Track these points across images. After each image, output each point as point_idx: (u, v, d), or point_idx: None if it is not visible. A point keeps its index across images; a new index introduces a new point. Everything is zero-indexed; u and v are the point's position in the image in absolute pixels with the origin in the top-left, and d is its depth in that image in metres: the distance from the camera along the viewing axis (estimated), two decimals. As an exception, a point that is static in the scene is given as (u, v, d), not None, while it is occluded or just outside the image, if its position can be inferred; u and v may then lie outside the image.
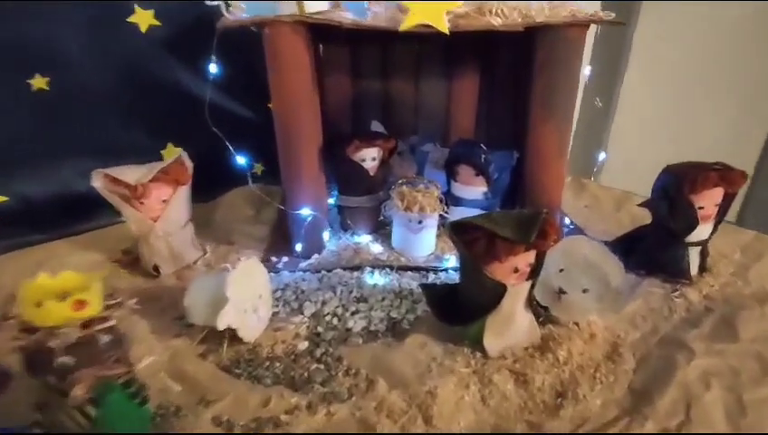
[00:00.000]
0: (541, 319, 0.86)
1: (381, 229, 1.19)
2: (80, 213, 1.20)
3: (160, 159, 1.29)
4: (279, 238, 1.15)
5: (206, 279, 0.91)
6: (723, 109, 1.77)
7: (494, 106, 1.29)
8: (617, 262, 0.84)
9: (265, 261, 1.09)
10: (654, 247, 1.04)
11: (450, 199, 1.10)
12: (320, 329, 0.89)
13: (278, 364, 0.82)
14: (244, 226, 1.26)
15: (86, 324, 0.59)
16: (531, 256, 0.77)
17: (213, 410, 0.73)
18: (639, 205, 1.10)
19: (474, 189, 1.09)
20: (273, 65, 0.93)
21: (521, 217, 0.75)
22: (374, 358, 0.82)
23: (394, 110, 1.34)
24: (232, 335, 0.84)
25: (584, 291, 0.85)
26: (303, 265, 1.07)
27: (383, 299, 0.96)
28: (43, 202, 1.17)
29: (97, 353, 0.60)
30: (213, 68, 0.99)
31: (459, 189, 1.10)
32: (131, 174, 0.99)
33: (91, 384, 0.59)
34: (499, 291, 0.76)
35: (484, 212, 1.06)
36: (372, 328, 0.89)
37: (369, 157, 1.10)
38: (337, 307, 0.94)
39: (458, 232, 0.75)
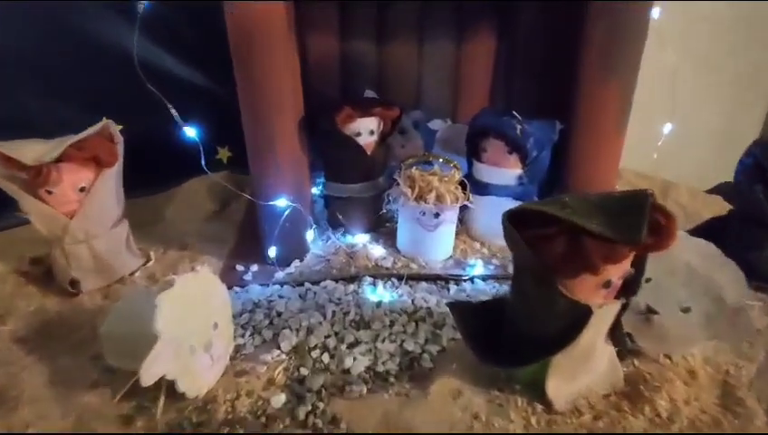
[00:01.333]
0: (622, 351, 0.60)
1: (381, 227, 0.92)
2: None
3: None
4: (247, 240, 0.87)
5: (135, 299, 0.63)
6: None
7: (515, 71, 1.03)
8: (734, 268, 0.59)
9: (229, 270, 0.81)
10: (738, 245, 0.78)
11: (473, 185, 0.83)
12: (304, 371, 0.61)
13: (241, 431, 0.54)
14: (203, 225, 0.98)
15: None
16: (627, 264, 0.50)
17: None
18: (710, 191, 0.85)
19: (505, 172, 0.82)
20: (232, 21, 0.66)
21: (612, 203, 0.49)
22: (386, 417, 0.55)
23: (392, 78, 1.07)
24: (172, 386, 0.56)
25: (684, 310, 0.60)
26: (280, 275, 0.79)
27: (392, 324, 0.69)
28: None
29: None
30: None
31: (486, 172, 0.84)
32: (30, 151, 0.69)
33: None
34: (580, 316, 0.50)
35: (532, 199, 0.81)
36: (380, 368, 0.62)
37: (366, 129, 0.83)
38: (328, 337, 0.66)
39: (519, 226, 0.49)
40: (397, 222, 0.87)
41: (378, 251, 0.84)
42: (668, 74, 0.83)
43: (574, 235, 0.46)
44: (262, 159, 0.75)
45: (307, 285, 0.77)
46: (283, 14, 0.68)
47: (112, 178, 0.76)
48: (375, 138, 0.84)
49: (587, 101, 0.77)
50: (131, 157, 0.81)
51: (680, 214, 1.07)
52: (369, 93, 1.02)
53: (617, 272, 0.49)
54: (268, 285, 0.77)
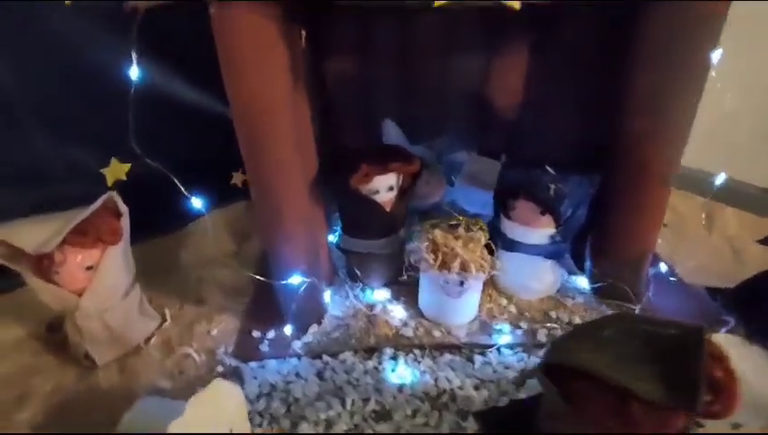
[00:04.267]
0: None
1: (401, 277, 0.87)
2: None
3: (101, 179, 0.97)
4: (264, 297, 0.84)
5: (148, 409, 0.60)
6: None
7: (548, 98, 0.93)
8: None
9: (245, 335, 0.78)
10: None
11: (501, 240, 0.77)
12: (323, 476, 0.59)
13: None
14: (220, 270, 0.95)
15: None
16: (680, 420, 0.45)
17: None
18: (763, 242, 0.78)
19: (536, 232, 0.76)
20: (226, 60, 0.59)
21: (662, 344, 0.43)
22: None
23: (415, 104, 0.99)
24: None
25: (735, 426, 0.54)
26: (297, 344, 0.76)
27: (414, 414, 0.65)
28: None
29: None
30: (134, 71, 0.65)
31: (514, 230, 0.77)
32: (32, 235, 0.66)
33: None
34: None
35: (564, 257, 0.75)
36: (402, 470, 0.59)
37: (384, 186, 0.77)
38: (349, 430, 0.63)
39: (557, 385, 0.44)
40: (417, 275, 0.83)
41: (398, 313, 0.80)
42: (725, 120, 0.73)
43: (621, 395, 0.41)
44: (271, 231, 0.70)
45: (325, 357, 0.74)
46: (284, 52, 0.61)
47: (119, 253, 0.73)
48: (394, 193, 0.78)
49: (629, 152, 0.69)
50: (140, 197, 0.78)
51: (727, 248, 0.99)
52: (390, 126, 0.95)
53: (661, 428, 0.44)
54: (285, 359, 0.74)
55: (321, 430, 0.64)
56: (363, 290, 0.85)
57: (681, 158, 0.71)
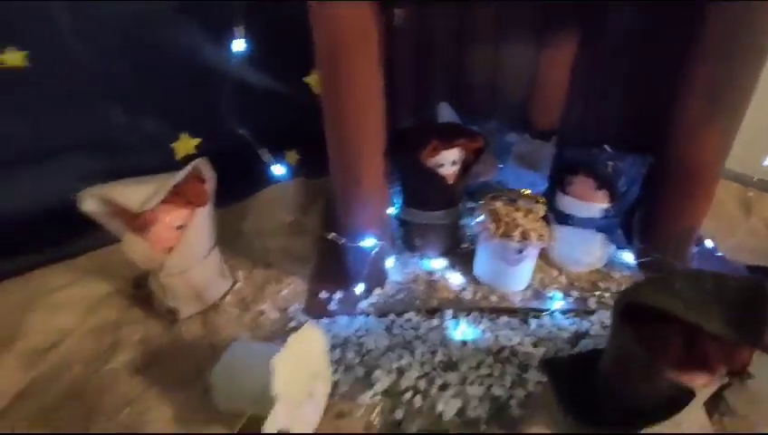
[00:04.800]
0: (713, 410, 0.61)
1: (457, 249, 0.93)
2: (75, 227, 0.95)
3: (170, 154, 1.04)
4: (327, 259, 0.90)
5: (239, 352, 0.67)
6: None
7: (595, 86, 0.98)
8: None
9: (314, 297, 0.84)
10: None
11: (554, 214, 0.83)
12: (399, 414, 0.65)
13: (348, 478, 0.59)
14: (283, 239, 1.01)
15: None
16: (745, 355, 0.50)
17: None
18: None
19: (591, 206, 0.81)
20: (326, 46, 0.65)
21: (729, 292, 0.48)
22: (482, 470, 0.59)
23: (467, 90, 1.04)
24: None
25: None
26: (364, 304, 0.82)
27: (478, 365, 0.71)
28: (28, 216, 0.93)
29: None
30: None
31: (570, 205, 0.83)
32: (133, 195, 0.73)
33: None
34: (682, 398, 0.51)
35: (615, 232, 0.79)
36: (470, 413, 0.65)
37: (449, 161, 0.82)
38: (419, 378, 0.69)
39: (630, 318, 0.49)
40: (473, 246, 0.88)
41: (456, 279, 0.86)
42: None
43: (690, 332, 0.47)
44: (348, 197, 0.76)
45: (391, 316, 0.80)
46: (377, 37, 0.67)
47: (205, 215, 0.80)
48: (457, 167, 0.84)
49: (685, 138, 0.74)
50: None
51: (764, 229, 1.04)
52: (445, 108, 1.00)
53: (729, 363, 0.49)
54: (353, 316, 0.80)
55: (393, 377, 0.70)
56: (421, 259, 0.91)
57: (732, 145, 0.75)
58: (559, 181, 0.84)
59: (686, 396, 0.51)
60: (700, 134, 0.72)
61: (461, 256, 0.91)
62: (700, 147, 0.73)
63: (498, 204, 0.79)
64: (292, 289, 0.87)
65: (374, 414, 0.66)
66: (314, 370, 0.64)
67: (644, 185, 0.80)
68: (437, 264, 0.90)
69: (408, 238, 0.92)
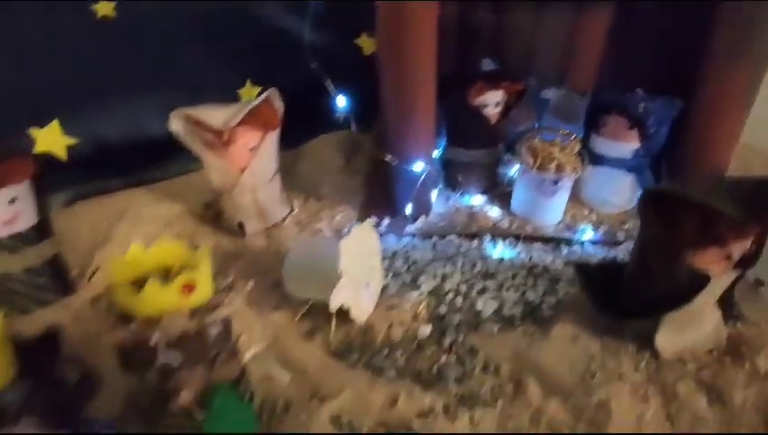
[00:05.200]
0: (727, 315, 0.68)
1: (496, 189, 1.01)
2: (156, 157, 1.08)
3: (237, 98, 1.15)
4: (376, 194, 0.99)
5: (307, 245, 0.77)
6: None
7: (632, 41, 1.04)
8: None
9: (363, 220, 0.94)
10: None
11: (588, 156, 0.90)
12: (442, 310, 0.74)
13: (399, 353, 0.68)
14: (333, 177, 1.11)
15: (194, 312, 0.46)
16: (749, 241, 0.57)
17: (329, 409, 0.60)
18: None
19: (622, 146, 0.88)
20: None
21: (745, 188, 0.55)
22: (516, 353, 0.67)
23: (506, 46, 1.12)
24: (339, 312, 0.71)
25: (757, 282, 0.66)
26: (411, 228, 0.91)
27: (514, 276, 0.79)
28: (117, 144, 1.05)
29: (205, 350, 0.47)
30: None
31: (602, 145, 0.90)
32: (216, 116, 0.84)
33: (200, 389, 0.46)
34: (699, 283, 0.59)
35: (645, 172, 0.87)
36: (506, 312, 0.74)
37: (493, 102, 0.91)
38: (460, 284, 0.78)
39: (657, 205, 0.57)
40: (510, 186, 0.97)
41: (494, 212, 0.94)
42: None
43: (709, 215, 0.54)
44: (402, 125, 0.85)
45: (434, 238, 0.89)
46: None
47: (274, 139, 0.90)
48: (500, 109, 0.92)
49: (712, 83, 0.81)
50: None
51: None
52: (488, 64, 1.08)
53: (740, 247, 0.57)
54: (401, 237, 0.89)
55: (437, 281, 0.79)
56: (462, 196, 0.99)
57: (759, 88, 0.82)
58: (593, 123, 0.91)
59: (702, 280, 0.58)
60: (728, 76, 0.79)
61: (499, 196, 1.00)
62: (727, 88, 0.80)
63: (536, 141, 0.87)
64: (344, 215, 0.97)
65: (420, 308, 0.75)
66: (371, 264, 0.73)
67: (673, 127, 0.87)
68: (477, 200, 0.98)
69: (450, 177, 1.00)
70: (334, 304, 0.65)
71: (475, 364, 0.66)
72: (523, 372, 0.64)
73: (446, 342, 0.69)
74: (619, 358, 0.66)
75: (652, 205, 0.57)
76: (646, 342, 0.66)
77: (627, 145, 0.88)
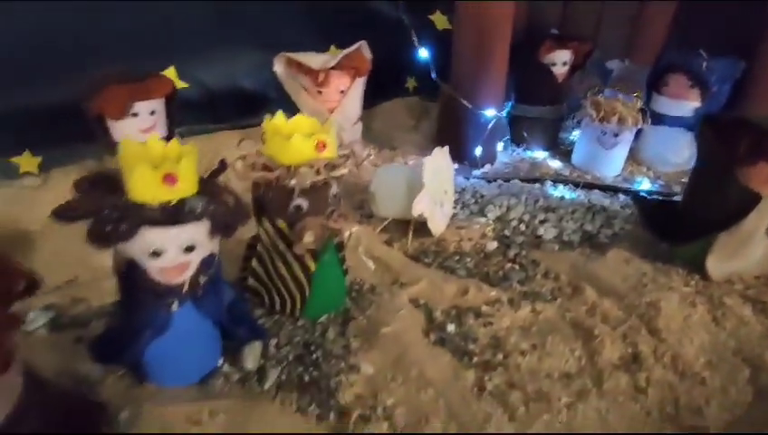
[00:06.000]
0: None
1: (558, 147, 1.09)
2: (249, 107, 1.22)
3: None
4: (449, 136, 1.09)
5: (392, 169, 0.88)
6: None
7: (698, 14, 1.10)
8: None
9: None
10: None
11: (648, 116, 0.97)
12: (507, 232, 0.83)
13: (469, 259, 0.77)
14: (404, 133, 1.22)
15: (319, 170, 0.57)
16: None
17: (409, 292, 0.70)
18: None
19: (684, 104, 0.95)
20: None
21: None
22: (574, 266, 0.75)
23: (573, 17, 1.20)
24: (415, 227, 0.81)
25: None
26: (477, 172, 1.00)
27: (573, 211, 0.87)
28: (217, 92, 1.20)
29: (326, 203, 0.58)
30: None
31: (664, 104, 0.97)
32: (314, 60, 0.96)
33: (319, 235, 0.57)
34: (749, 202, 0.65)
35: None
36: (565, 238, 0.82)
37: (561, 60, 0.99)
38: (524, 214, 0.87)
39: (714, 129, 0.64)
40: (571, 146, 1.04)
41: (556, 164, 1.02)
42: None
43: (761, 136, 0.61)
44: (479, 73, 0.95)
45: (499, 181, 0.97)
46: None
47: (361, 85, 1.02)
48: (567, 68, 1.01)
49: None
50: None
51: None
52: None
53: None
54: (468, 179, 0.99)
55: (503, 210, 0.87)
56: (525, 150, 1.08)
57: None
58: (655, 83, 0.98)
59: (753, 199, 0.65)
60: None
61: (561, 152, 1.07)
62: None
63: (600, 96, 0.95)
64: (415, 162, 1.07)
65: (487, 229, 0.84)
66: (444, 188, 0.83)
67: (734, 89, 0.93)
68: (540, 154, 1.06)
69: (515, 131, 1.09)
70: (416, 210, 0.75)
71: (536, 272, 0.74)
72: (581, 280, 0.72)
73: (511, 254, 0.77)
74: (670, 276, 0.72)
75: (711, 129, 0.64)
76: (696, 268, 0.73)
77: (687, 103, 0.94)
